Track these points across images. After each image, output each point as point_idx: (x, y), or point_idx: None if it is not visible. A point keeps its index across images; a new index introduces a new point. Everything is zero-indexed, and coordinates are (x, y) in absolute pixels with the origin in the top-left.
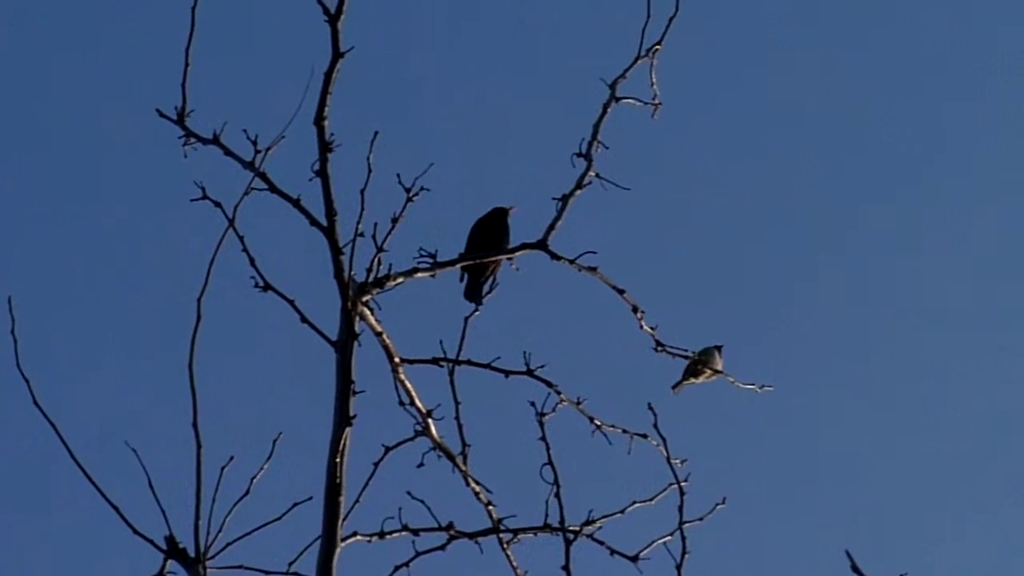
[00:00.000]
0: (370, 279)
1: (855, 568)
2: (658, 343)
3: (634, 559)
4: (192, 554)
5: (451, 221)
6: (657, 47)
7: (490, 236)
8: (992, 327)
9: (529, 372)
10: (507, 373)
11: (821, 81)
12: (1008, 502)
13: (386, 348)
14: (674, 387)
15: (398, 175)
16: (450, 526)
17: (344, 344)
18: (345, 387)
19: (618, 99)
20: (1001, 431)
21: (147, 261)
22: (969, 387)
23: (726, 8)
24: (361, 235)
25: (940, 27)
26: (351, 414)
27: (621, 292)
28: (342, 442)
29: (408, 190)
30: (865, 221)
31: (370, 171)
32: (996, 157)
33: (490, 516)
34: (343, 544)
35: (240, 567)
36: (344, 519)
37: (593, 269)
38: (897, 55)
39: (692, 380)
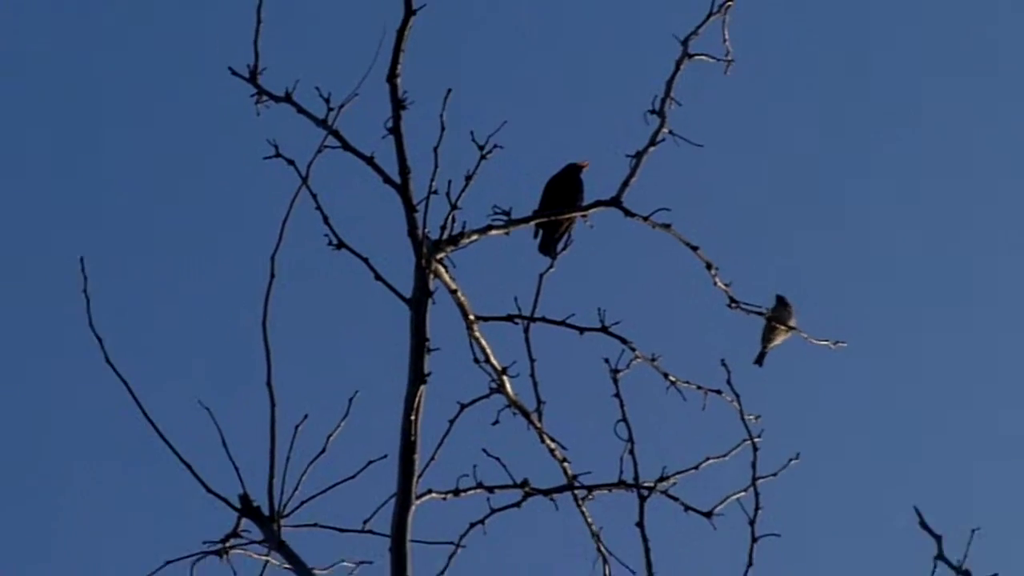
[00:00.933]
0: (444, 236)
1: (923, 524)
2: (732, 300)
3: (708, 515)
4: (267, 512)
5: (525, 178)
6: (729, 3)
7: (564, 193)
8: None
9: (604, 329)
10: (582, 330)
11: (895, 30)
12: None
13: (461, 306)
14: (758, 360)
15: (472, 132)
16: (525, 483)
17: (418, 302)
18: (419, 345)
19: (691, 56)
20: None
21: (221, 219)
22: None
23: None
24: (435, 192)
25: None
26: (426, 371)
27: (695, 249)
28: (417, 400)
29: (482, 147)
30: (941, 172)
31: (443, 128)
32: None
33: (565, 473)
34: (418, 502)
35: (315, 525)
36: (419, 477)
37: (667, 226)
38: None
39: (772, 344)
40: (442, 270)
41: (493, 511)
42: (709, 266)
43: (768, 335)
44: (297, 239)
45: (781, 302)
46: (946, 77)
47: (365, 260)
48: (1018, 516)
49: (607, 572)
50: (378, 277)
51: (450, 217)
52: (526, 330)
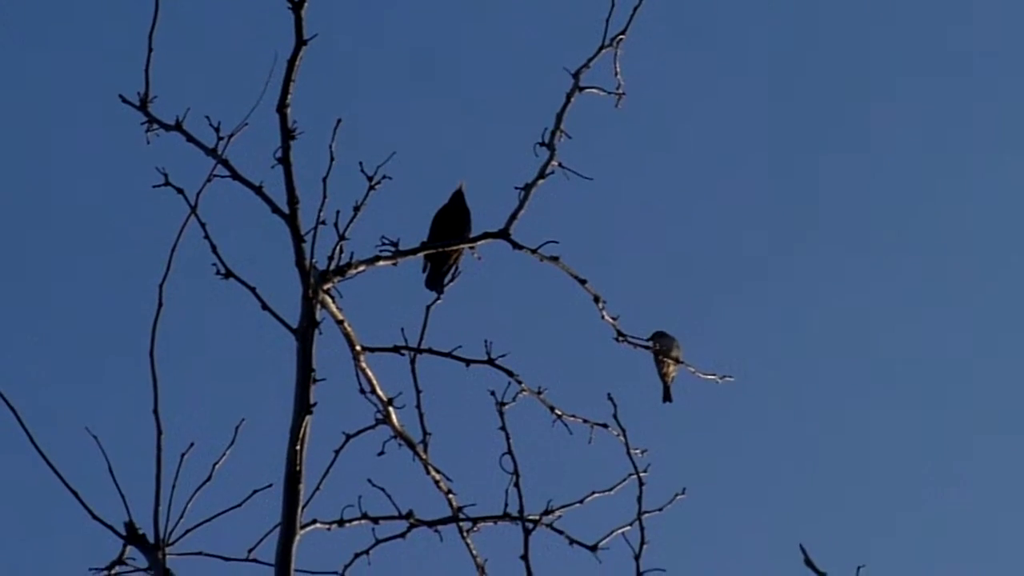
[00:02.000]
0: (332, 267)
1: (808, 562)
2: (619, 333)
3: (593, 549)
4: (152, 540)
5: (414, 210)
6: (621, 36)
7: (452, 225)
8: (952, 319)
9: (490, 361)
10: (468, 362)
11: (782, 72)
12: (964, 494)
13: (347, 336)
14: (665, 398)
15: (360, 163)
16: (410, 514)
17: (305, 332)
18: (306, 375)
19: (582, 88)
20: (959, 420)
21: (108, 247)
22: (930, 374)
23: None
24: (323, 223)
25: None
26: (311, 402)
27: (583, 282)
28: (302, 430)
29: (370, 178)
30: (825, 212)
31: (332, 159)
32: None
33: (450, 504)
34: (303, 531)
35: (200, 553)
36: (304, 506)
37: (555, 259)
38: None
39: (670, 377)
40: (329, 300)
41: (378, 542)
42: (597, 299)
43: (661, 369)
44: (185, 268)
45: (660, 335)
46: (837, 130)
47: (252, 290)
48: (903, 553)
49: None
50: (265, 307)
51: (338, 247)
52: (412, 361)
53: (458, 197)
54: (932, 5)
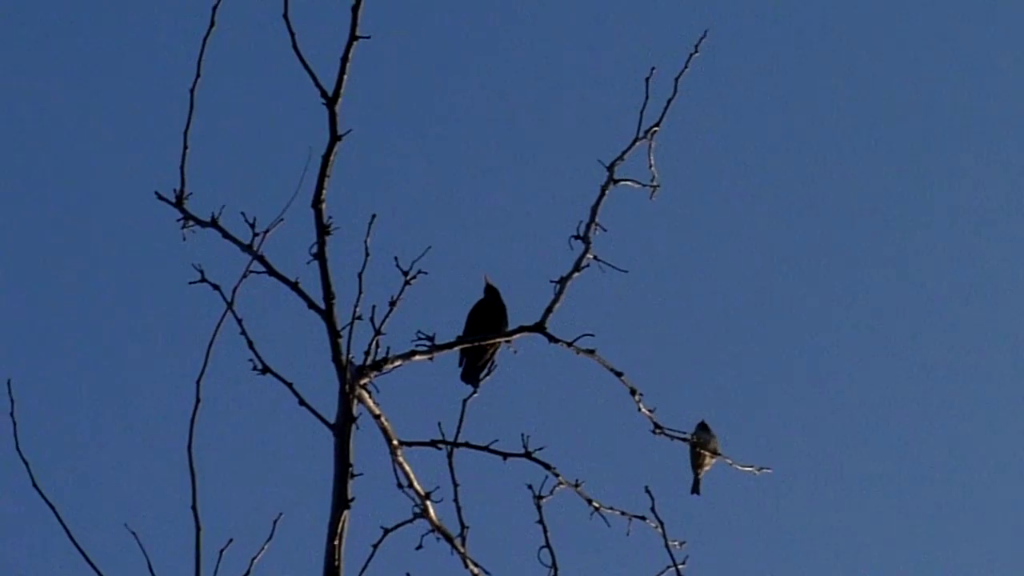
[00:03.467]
0: (368, 362)
1: None
2: (656, 425)
3: None
4: None
5: (449, 304)
6: (655, 128)
7: (488, 319)
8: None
9: (527, 454)
10: (505, 455)
11: (812, 158)
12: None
13: (384, 431)
14: (694, 489)
15: (396, 258)
16: None
17: (342, 427)
18: (343, 470)
19: (616, 181)
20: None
21: (146, 344)
22: (962, 471)
23: (723, 91)
24: (359, 318)
25: None
26: (349, 497)
27: (619, 375)
28: (340, 525)
29: (406, 273)
30: (859, 304)
31: (368, 254)
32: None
33: None
34: None
35: None
36: None
37: (591, 352)
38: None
39: (703, 470)
40: (366, 395)
41: None
42: (633, 392)
43: (696, 461)
44: (222, 364)
45: (703, 427)
46: (865, 199)
47: (289, 385)
48: None
49: None
50: (302, 402)
51: (374, 342)
52: (450, 455)
53: (492, 291)
54: None
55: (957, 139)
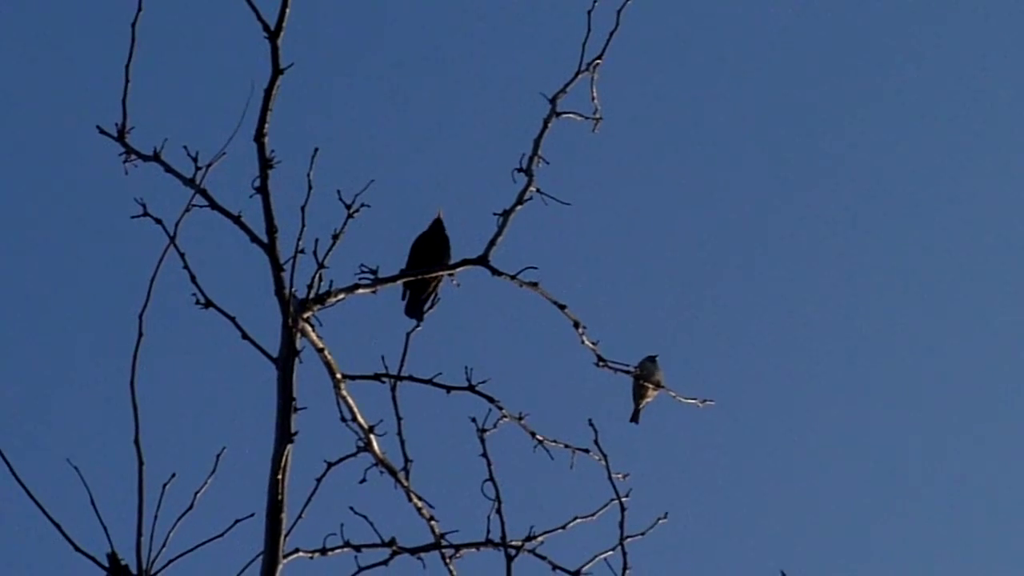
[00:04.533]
0: (311, 295)
1: None
2: (599, 358)
3: (576, 574)
4: (134, 571)
5: (393, 237)
6: (598, 61)
7: (431, 252)
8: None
9: (471, 388)
10: (448, 389)
11: (755, 89)
12: (948, 508)
13: (328, 364)
14: (633, 418)
15: (338, 191)
16: (392, 542)
17: (285, 360)
18: (286, 404)
19: (559, 114)
20: (946, 437)
21: (87, 278)
22: (908, 394)
23: (668, 22)
24: (302, 252)
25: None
26: (293, 431)
27: (562, 307)
28: (284, 459)
29: (348, 206)
30: (802, 226)
31: (310, 187)
32: None
33: (432, 531)
34: (285, 560)
35: None
36: (286, 535)
37: (534, 284)
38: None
39: (644, 401)
40: (309, 329)
41: (361, 569)
42: (577, 324)
43: (638, 393)
44: (165, 298)
45: (650, 360)
46: (805, 152)
47: (232, 319)
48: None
49: None
50: (245, 336)
51: (317, 276)
52: (393, 389)
53: (437, 225)
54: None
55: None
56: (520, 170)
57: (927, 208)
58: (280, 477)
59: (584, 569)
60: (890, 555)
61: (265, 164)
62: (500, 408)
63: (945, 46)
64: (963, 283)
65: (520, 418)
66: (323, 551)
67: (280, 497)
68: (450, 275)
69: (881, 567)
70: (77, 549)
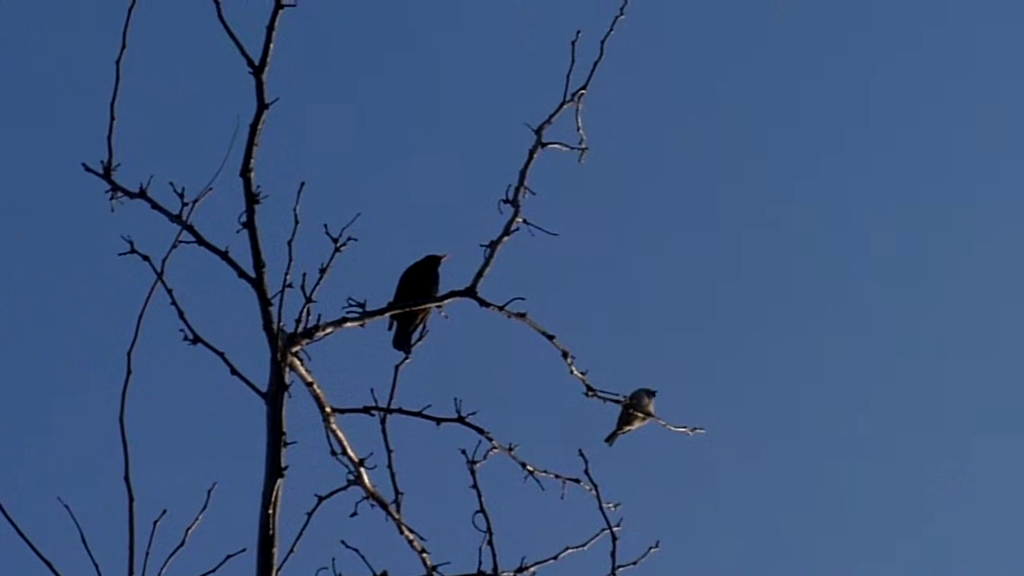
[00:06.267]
0: (299, 330)
1: None
2: (589, 388)
3: None
4: None
5: (381, 271)
6: (582, 92)
7: (419, 284)
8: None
9: (460, 419)
10: (438, 421)
11: (745, 120)
12: (941, 539)
13: (317, 398)
14: (608, 439)
15: (325, 225)
16: (384, 574)
17: (275, 395)
18: (276, 438)
19: (544, 144)
20: (936, 460)
21: (75, 316)
22: (901, 425)
23: (651, 52)
24: (290, 286)
25: None
26: (282, 465)
27: (551, 338)
28: (274, 493)
29: (335, 240)
30: (789, 253)
31: (297, 222)
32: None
33: (424, 564)
34: None
35: None
36: (278, 570)
37: (522, 315)
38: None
39: (627, 428)
40: (298, 363)
41: None
42: (565, 355)
43: (624, 419)
44: (153, 335)
45: (647, 392)
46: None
47: (221, 355)
48: None
49: None
50: (234, 372)
51: (305, 310)
52: (383, 421)
53: (430, 260)
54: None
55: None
56: (506, 201)
57: (909, 241)
58: (271, 512)
59: None
60: None
61: (251, 199)
62: (490, 439)
63: (945, 46)
64: (954, 303)
65: (510, 449)
66: None
67: (271, 532)
68: (438, 307)
69: None
70: None
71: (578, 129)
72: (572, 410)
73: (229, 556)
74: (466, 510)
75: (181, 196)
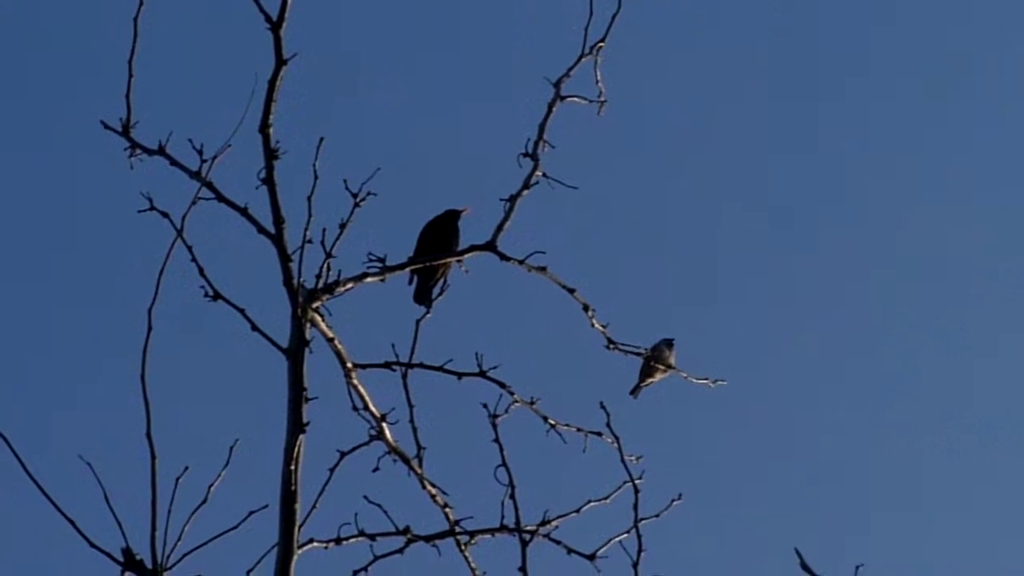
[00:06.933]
0: (320, 285)
1: (804, 565)
2: (609, 341)
3: (591, 558)
4: (149, 566)
5: (401, 225)
6: (601, 44)
7: (439, 238)
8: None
9: (482, 373)
10: (460, 375)
11: (764, 73)
12: (958, 494)
13: (338, 354)
14: (632, 392)
15: (345, 180)
16: (407, 530)
17: (295, 351)
18: (297, 394)
19: (563, 98)
20: (955, 421)
21: (95, 273)
22: (920, 379)
23: (672, 3)
24: (310, 242)
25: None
26: (304, 421)
27: (571, 291)
28: (296, 449)
29: (355, 195)
30: (810, 206)
31: (316, 177)
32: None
33: (447, 518)
34: (300, 551)
35: None
36: (301, 526)
37: (542, 269)
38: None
39: (649, 380)
40: (318, 319)
41: (376, 558)
42: (586, 308)
43: (645, 371)
44: (174, 291)
45: (666, 343)
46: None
47: (242, 311)
48: (898, 554)
49: None
50: (255, 328)
51: (325, 266)
52: (404, 376)
53: (450, 214)
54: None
55: None
56: (526, 154)
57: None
58: (293, 468)
59: (599, 552)
60: (902, 531)
61: (270, 155)
62: (512, 393)
63: (945, 45)
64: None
65: (532, 403)
66: (338, 541)
67: (293, 488)
68: (458, 262)
69: (893, 543)
70: (92, 545)
71: (597, 82)
72: (593, 363)
73: (252, 512)
74: (488, 464)
75: (200, 153)
